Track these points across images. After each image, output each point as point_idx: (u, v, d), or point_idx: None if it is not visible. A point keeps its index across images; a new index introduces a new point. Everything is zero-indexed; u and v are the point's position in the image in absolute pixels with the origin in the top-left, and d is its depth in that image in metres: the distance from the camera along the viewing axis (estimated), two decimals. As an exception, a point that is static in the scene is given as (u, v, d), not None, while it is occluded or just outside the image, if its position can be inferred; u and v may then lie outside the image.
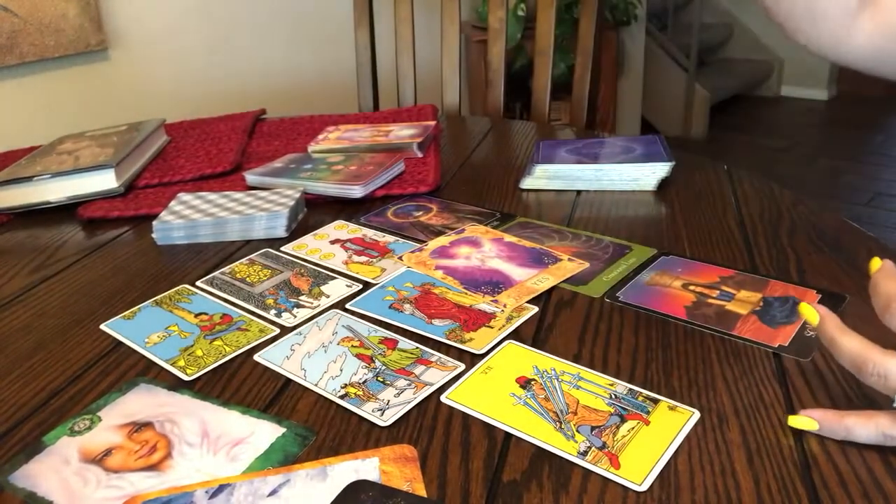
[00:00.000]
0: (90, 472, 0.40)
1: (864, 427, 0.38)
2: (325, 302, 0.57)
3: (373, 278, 0.60)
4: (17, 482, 0.40)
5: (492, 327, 0.52)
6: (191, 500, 0.37)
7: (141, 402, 0.46)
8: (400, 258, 0.63)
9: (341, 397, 0.45)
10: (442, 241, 0.66)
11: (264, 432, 0.42)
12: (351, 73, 1.40)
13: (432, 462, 0.39)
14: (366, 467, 0.39)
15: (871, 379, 0.38)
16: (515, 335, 0.51)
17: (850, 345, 0.39)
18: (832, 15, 0.56)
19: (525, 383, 0.45)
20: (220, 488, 0.38)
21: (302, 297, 0.58)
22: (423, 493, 0.37)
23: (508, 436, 0.41)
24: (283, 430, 0.42)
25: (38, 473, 0.40)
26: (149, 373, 0.49)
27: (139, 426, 0.43)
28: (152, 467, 0.40)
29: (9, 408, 0.46)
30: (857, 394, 0.43)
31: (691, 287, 0.56)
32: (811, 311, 0.42)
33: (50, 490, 0.39)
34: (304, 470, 0.39)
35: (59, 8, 1.51)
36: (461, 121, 1.17)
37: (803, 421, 0.40)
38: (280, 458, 0.40)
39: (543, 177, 0.78)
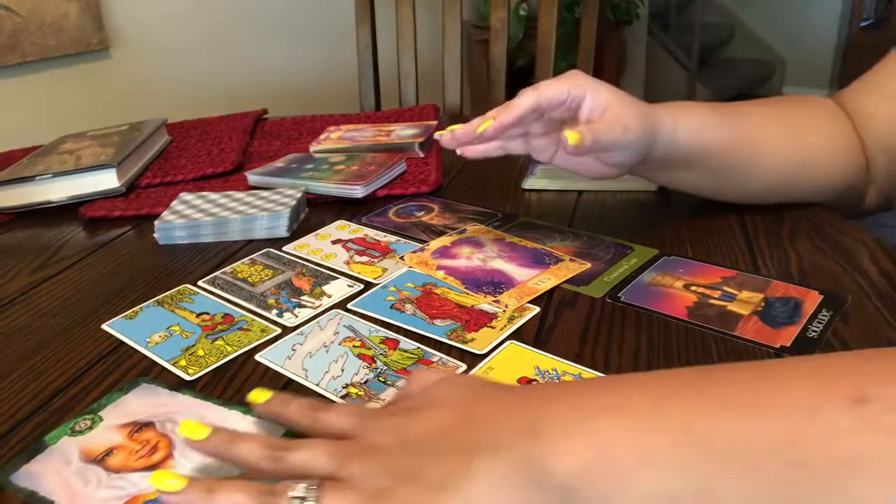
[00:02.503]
0: (91, 471, 0.40)
1: None
2: (326, 302, 0.57)
3: (374, 278, 0.60)
4: (18, 482, 0.40)
5: (493, 327, 0.52)
6: (192, 501, 0.37)
7: (142, 401, 0.46)
8: (401, 258, 0.63)
9: (342, 397, 0.45)
10: (443, 241, 0.66)
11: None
12: (353, 73, 1.40)
13: (433, 462, 0.39)
14: (367, 468, 0.39)
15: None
16: (517, 335, 0.51)
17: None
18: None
19: (526, 384, 0.45)
20: (222, 488, 0.38)
21: (303, 297, 0.58)
22: (424, 493, 0.37)
23: (509, 436, 0.41)
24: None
25: (39, 473, 0.40)
26: (150, 372, 0.49)
27: (140, 426, 0.43)
28: (153, 467, 0.40)
29: (10, 407, 0.46)
30: (858, 395, 0.42)
31: (693, 287, 0.56)
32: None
33: (51, 490, 0.39)
34: (305, 470, 0.39)
35: (60, 7, 1.51)
36: (463, 120, 1.17)
37: None
38: (281, 459, 0.40)
39: (545, 177, 0.78)
